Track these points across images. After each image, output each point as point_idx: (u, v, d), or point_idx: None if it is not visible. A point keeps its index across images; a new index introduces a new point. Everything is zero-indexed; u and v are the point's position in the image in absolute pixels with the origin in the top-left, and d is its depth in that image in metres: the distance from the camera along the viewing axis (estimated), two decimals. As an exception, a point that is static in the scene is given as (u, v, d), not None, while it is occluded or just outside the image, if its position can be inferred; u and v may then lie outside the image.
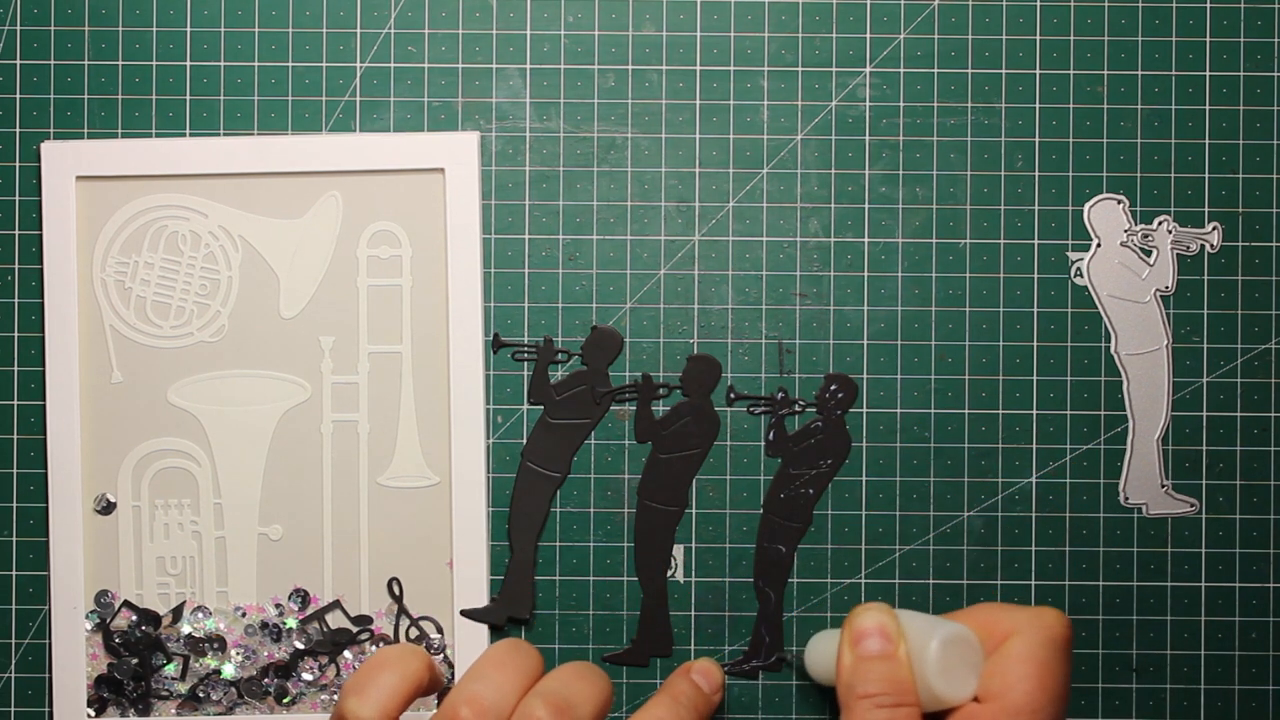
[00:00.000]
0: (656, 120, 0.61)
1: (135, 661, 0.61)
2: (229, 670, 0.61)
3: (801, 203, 0.61)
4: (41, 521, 0.61)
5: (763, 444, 0.61)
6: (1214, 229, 0.61)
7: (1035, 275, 0.61)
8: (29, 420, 0.61)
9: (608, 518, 0.61)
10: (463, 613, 0.61)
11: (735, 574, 0.61)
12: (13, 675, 0.61)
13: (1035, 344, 0.61)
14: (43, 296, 0.61)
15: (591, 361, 0.61)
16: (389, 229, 0.61)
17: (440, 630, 0.61)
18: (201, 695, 0.61)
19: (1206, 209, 0.61)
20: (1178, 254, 0.61)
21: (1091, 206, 0.61)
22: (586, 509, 0.61)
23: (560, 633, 0.61)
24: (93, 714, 0.61)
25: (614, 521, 0.61)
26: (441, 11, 0.61)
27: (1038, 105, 0.61)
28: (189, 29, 0.61)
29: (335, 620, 0.61)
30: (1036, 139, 0.61)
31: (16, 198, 0.61)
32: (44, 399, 0.61)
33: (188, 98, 0.61)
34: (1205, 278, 0.61)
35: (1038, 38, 0.61)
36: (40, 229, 0.61)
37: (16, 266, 0.61)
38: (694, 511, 0.61)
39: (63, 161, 0.61)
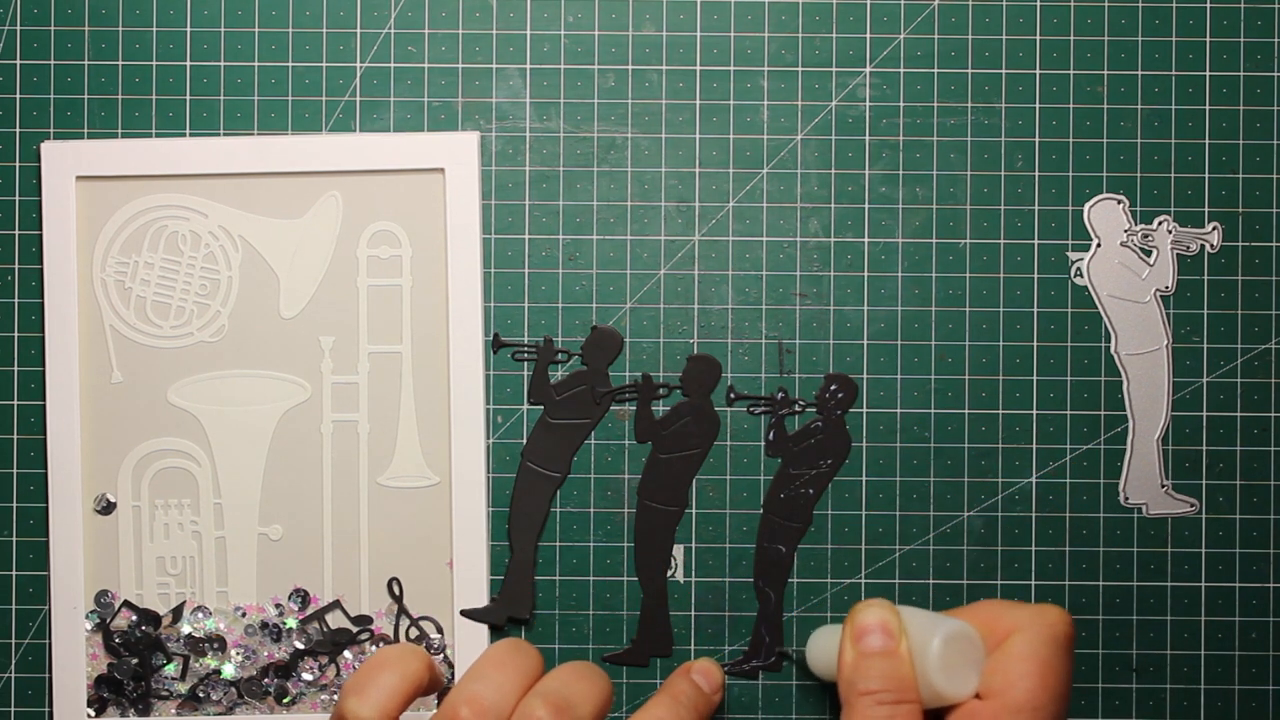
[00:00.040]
0: (656, 120, 0.61)
1: (135, 661, 0.61)
2: (229, 670, 0.61)
3: (801, 203, 0.61)
4: (41, 521, 0.61)
5: (763, 444, 0.61)
6: (1214, 229, 0.61)
7: (1035, 275, 0.61)
8: (29, 420, 0.61)
9: (608, 518, 0.61)
10: (463, 613, 0.61)
11: (735, 574, 0.61)
12: (13, 675, 0.61)
13: (1035, 344, 0.61)
14: (43, 296, 0.61)
15: (591, 361, 0.61)
16: (389, 229, 0.61)
17: (440, 630, 0.61)
18: (201, 695, 0.61)
19: (1206, 209, 0.61)
20: (1178, 254, 0.61)
21: (1091, 206, 0.61)
22: (586, 509, 0.61)
23: (560, 633, 0.61)
24: (93, 714, 0.61)
25: (614, 521, 0.61)
26: (441, 11, 0.61)
27: (1038, 105, 0.61)
28: (189, 29, 0.61)
29: (335, 620, 0.61)
30: (1036, 139, 0.61)
31: (16, 198, 0.61)
32: (44, 399, 0.61)
33: (188, 98, 0.61)
34: (1205, 278, 0.61)
35: (1038, 38, 0.61)
36: (40, 229, 0.61)
37: (16, 266, 0.61)
38: (694, 511, 0.61)
39: (63, 161, 0.61)
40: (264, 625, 0.61)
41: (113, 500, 0.61)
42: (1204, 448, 0.61)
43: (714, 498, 0.61)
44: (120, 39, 0.61)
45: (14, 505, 0.61)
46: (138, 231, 0.61)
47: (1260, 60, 0.61)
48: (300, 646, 0.61)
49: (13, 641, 0.61)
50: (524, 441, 0.61)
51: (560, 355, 0.61)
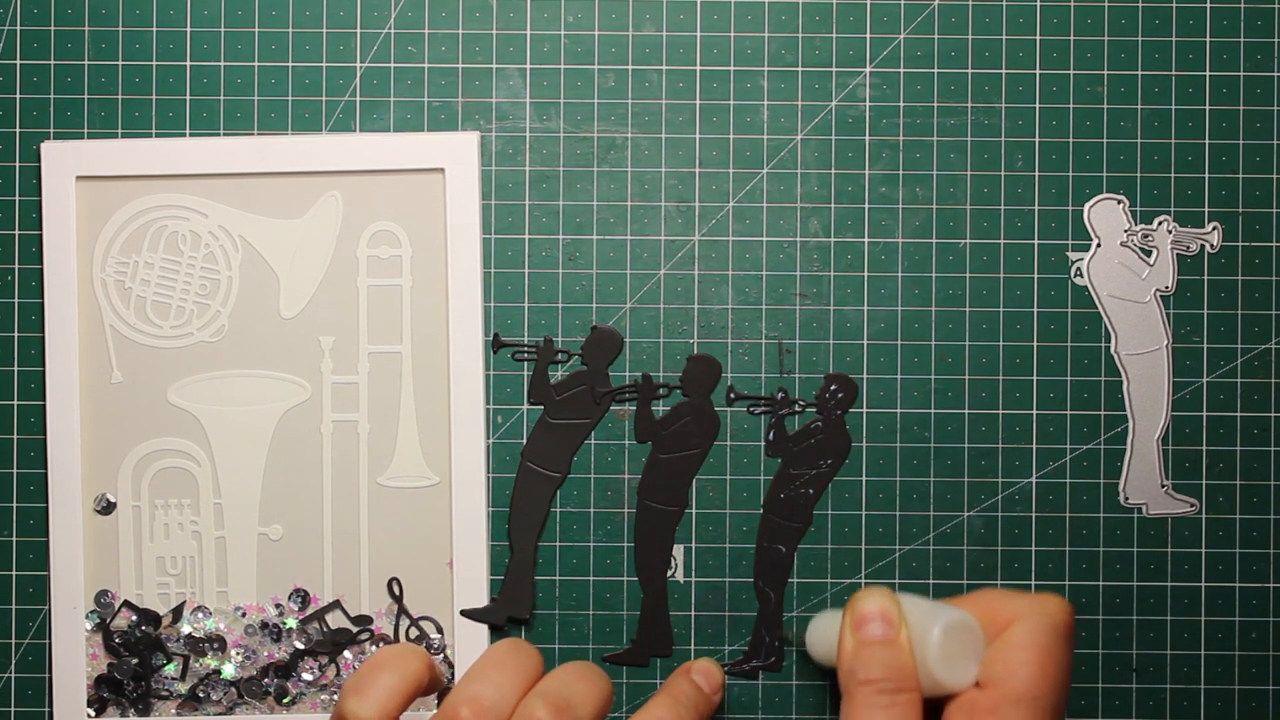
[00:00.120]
0: (656, 120, 0.61)
1: (135, 661, 0.61)
2: (229, 670, 0.61)
3: (801, 203, 0.61)
4: (41, 521, 0.61)
5: (763, 444, 0.61)
6: (1214, 229, 0.61)
7: (1035, 275, 0.61)
8: (29, 420, 0.61)
9: (608, 518, 0.61)
10: (463, 613, 0.61)
11: (735, 574, 0.61)
12: (13, 675, 0.61)
13: (1035, 344, 0.61)
14: (43, 296, 0.61)
15: (591, 361, 0.61)
16: (389, 229, 0.61)
17: (440, 630, 0.61)
18: (201, 695, 0.61)
19: (1206, 209, 0.61)
20: (1178, 254, 0.61)
21: (1091, 206, 0.61)
22: (586, 509, 0.61)
23: (560, 633, 0.61)
24: (93, 714, 0.61)
25: (614, 521, 0.61)
26: (441, 11, 0.61)
27: (1038, 105, 0.61)
28: (189, 29, 0.61)
29: (335, 620, 0.61)
30: (1036, 139, 0.61)
31: (16, 198, 0.61)
32: (44, 399, 0.61)
33: (188, 98, 0.61)
34: (1205, 278, 0.61)
35: (1038, 38, 0.61)
36: (40, 229, 0.61)
37: (16, 266, 0.61)
38: (694, 511, 0.61)
39: (63, 161, 0.61)
40: (264, 625, 0.61)
41: (113, 500, 0.61)
42: (1204, 448, 0.61)
43: (714, 498, 0.61)
44: (120, 39, 0.61)
45: (14, 505, 0.61)
46: (138, 231, 0.61)
47: (1260, 60, 0.61)
48: (300, 646, 0.61)
49: (13, 641, 0.61)
50: (524, 441, 0.61)
51: (560, 355, 0.61)
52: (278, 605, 0.61)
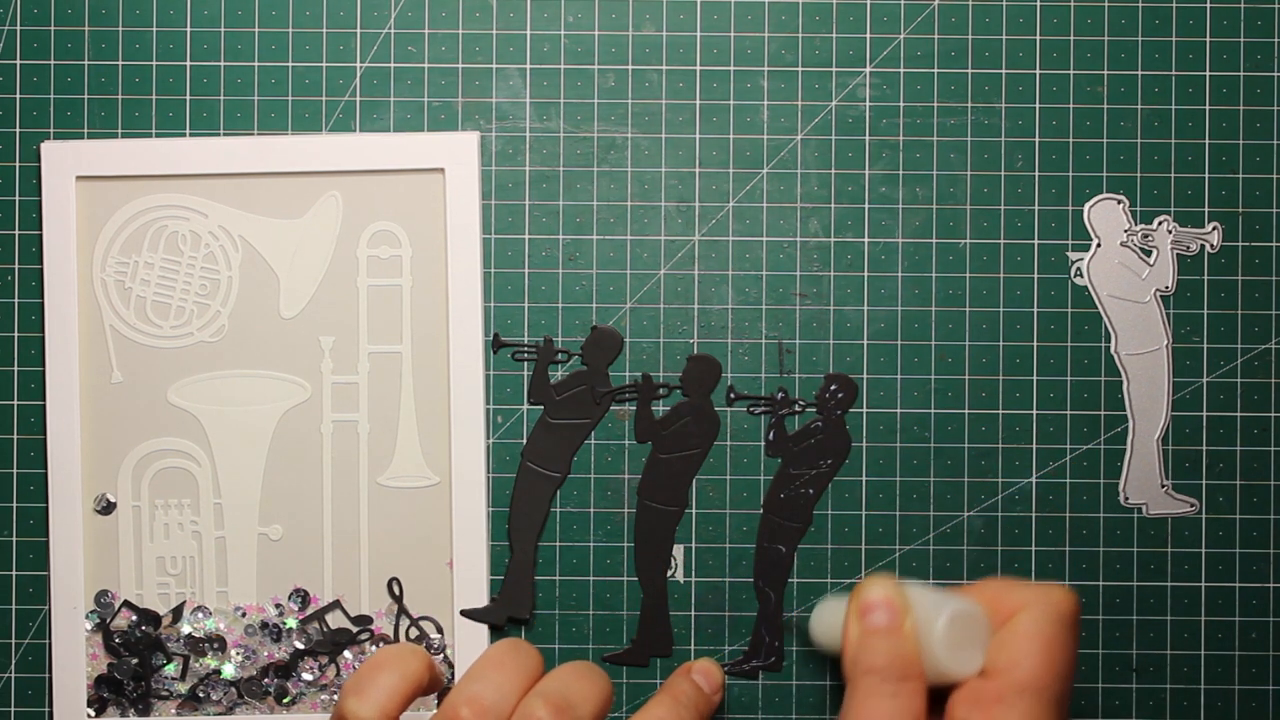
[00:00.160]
0: (656, 120, 0.61)
1: (135, 661, 0.61)
2: (229, 670, 0.61)
3: (801, 203, 0.61)
4: (41, 521, 0.61)
5: (763, 444, 0.61)
6: (1214, 229, 0.61)
7: (1035, 275, 0.61)
8: (29, 420, 0.61)
9: (608, 518, 0.61)
10: (463, 613, 0.61)
11: (735, 574, 0.61)
12: (13, 675, 0.61)
13: (1035, 344, 0.61)
14: (43, 296, 0.61)
15: (591, 361, 0.61)
16: (389, 229, 0.61)
17: (440, 630, 0.61)
18: (201, 695, 0.61)
19: (1206, 209, 0.61)
20: (1178, 254, 0.61)
21: (1091, 206, 0.61)
22: (586, 509, 0.61)
23: (560, 633, 0.61)
24: (93, 714, 0.61)
25: (614, 521, 0.61)
26: (441, 11, 0.61)
27: (1038, 105, 0.61)
28: (189, 29, 0.61)
29: (335, 620, 0.61)
30: (1036, 139, 0.61)
31: (16, 198, 0.61)
32: (44, 399, 0.61)
33: (188, 98, 0.61)
34: (1205, 278, 0.61)
35: (1038, 38, 0.61)
36: (40, 229, 0.61)
37: (16, 266, 0.61)
38: (694, 511, 0.61)
39: (63, 161, 0.61)
40: (264, 625, 0.61)
41: (113, 500, 0.61)
42: (1204, 448, 0.61)
43: (714, 498, 0.61)
44: (120, 39, 0.61)
45: (14, 505, 0.61)
46: (138, 231, 0.61)
47: (1260, 60, 0.61)
48: (300, 646, 0.61)
49: (13, 641, 0.61)
50: (524, 441, 0.61)
51: (560, 355, 0.61)
52: (278, 605, 0.61)
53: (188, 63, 0.61)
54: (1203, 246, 0.61)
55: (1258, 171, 0.61)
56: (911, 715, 0.49)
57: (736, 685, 0.61)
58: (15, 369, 0.61)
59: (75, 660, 0.61)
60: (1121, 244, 0.61)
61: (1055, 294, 0.61)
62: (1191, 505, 0.61)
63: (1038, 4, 0.61)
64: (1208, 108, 0.61)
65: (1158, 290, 0.61)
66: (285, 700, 0.61)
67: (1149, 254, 0.61)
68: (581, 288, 0.61)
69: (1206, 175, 0.61)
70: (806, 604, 0.61)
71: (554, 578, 0.61)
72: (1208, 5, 0.61)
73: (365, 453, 0.61)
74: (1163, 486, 0.61)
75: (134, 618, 0.61)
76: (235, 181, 0.61)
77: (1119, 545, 0.61)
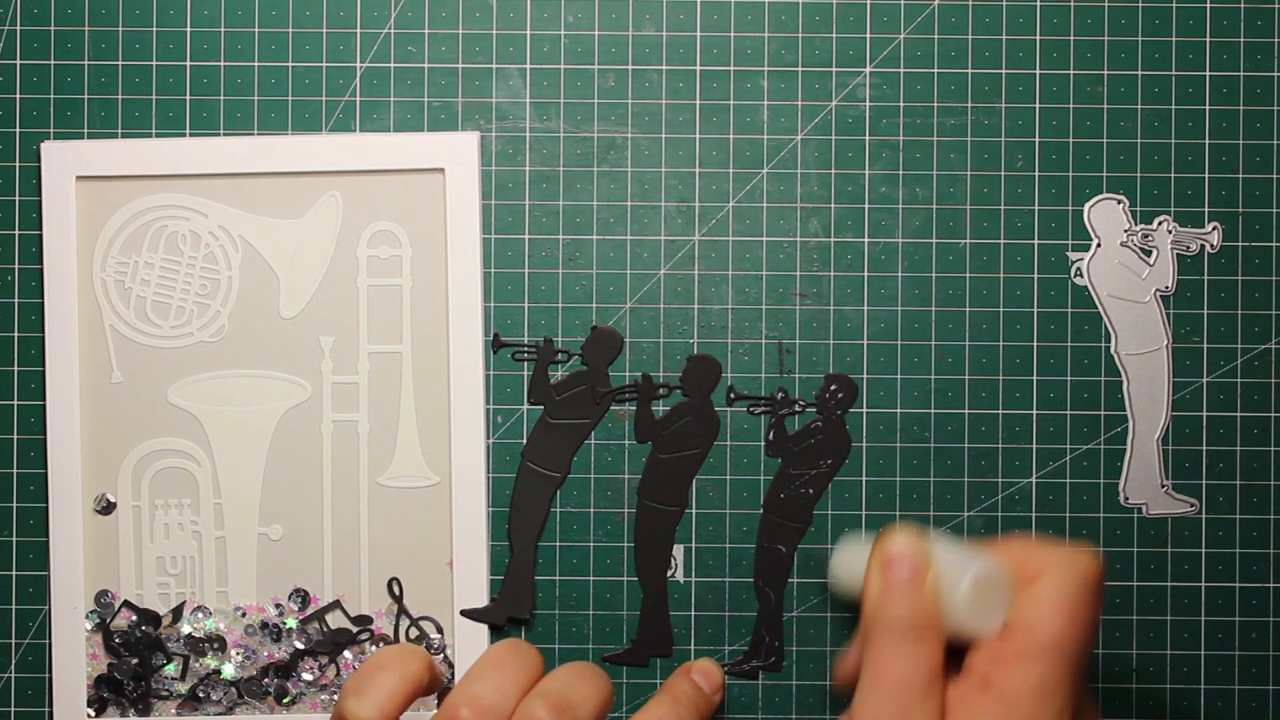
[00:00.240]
0: (656, 120, 0.61)
1: (135, 661, 0.61)
2: (229, 670, 0.61)
3: (801, 203, 0.61)
4: (41, 521, 0.61)
5: (763, 444, 0.61)
6: (1214, 229, 0.61)
7: (1035, 275, 0.61)
8: (29, 420, 0.61)
9: (608, 518, 0.61)
10: (463, 613, 0.61)
11: (735, 574, 0.61)
12: (13, 675, 0.61)
13: (1035, 344, 0.61)
14: (43, 296, 0.61)
15: (591, 361, 0.61)
16: (389, 229, 0.61)
17: (440, 630, 0.61)
18: (201, 695, 0.61)
19: (1206, 209, 0.61)
20: (1178, 254, 0.61)
21: (1091, 206, 0.61)
22: (586, 509, 0.61)
23: (560, 633, 0.61)
24: (93, 714, 0.61)
25: (614, 521, 0.61)
26: (441, 11, 0.61)
27: (1038, 105, 0.61)
28: (189, 29, 0.61)
29: (335, 620, 0.61)
30: (1036, 139, 0.61)
31: (16, 198, 0.61)
32: (44, 399, 0.61)
33: (188, 98, 0.61)
34: (1205, 278, 0.61)
35: (1038, 38, 0.61)
36: (40, 229, 0.61)
37: (16, 266, 0.61)
38: (694, 511, 0.61)
39: (63, 161, 0.61)
40: (264, 625, 0.61)
41: (113, 500, 0.61)
42: (1204, 448, 0.61)
43: (714, 498, 0.61)
44: (120, 39, 0.61)
45: (14, 505, 0.61)
46: (138, 231, 0.61)
47: (1260, 60, 0.61)
48: (300, 646, 0.61)
49: (13, 641, 0.61)
50: (524, 441, 0.61)
51: (560, 355, 0.61)
52: (278, 605, 0.61)
53: (188, 63, 0.61)
54: (1203, 246, 0.61)
55: (1258, 171, 0.61)
56: (929, 670, 0.48)
57: (736, 685, 0.61)
58: (15, 369, 0.61)
59: (75, 660, 0.61)
60: (1121, 244, 0.61)
61: (1055, 294, 0.61)
62: (1191, 505, 0.61)
63: (1038, 4, 0.61)
64: (1208, 108, 0.61)
65: (1158, 290, 0.61)
66: (285, 700, 0.61)
67: (1149, 254, 0.61)
68: (581, 288, 0.61)
69: (1206, 175, 0.61)
70: (806, 604, 0.61)
71: (554, 578, 0.61)
72: (1208, 5, 0.61)
73: (365, 453, 0.61)
74: (1163, 486, 0.61)
75: (134, 618, 0.61)
76: (235, 181, 0.61)
77: (1119, 545, 0.61)
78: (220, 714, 0.61)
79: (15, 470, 0.61)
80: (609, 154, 0.61)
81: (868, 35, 0.61)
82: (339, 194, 0.61)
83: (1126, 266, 0.61)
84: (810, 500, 0.61)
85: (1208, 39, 0.61)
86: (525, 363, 0.61)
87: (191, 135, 0.61)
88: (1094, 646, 0.49)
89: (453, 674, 0.61)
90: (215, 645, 0.61)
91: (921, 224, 0.61)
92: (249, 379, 0.61)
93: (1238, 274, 0.61)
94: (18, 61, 0.61)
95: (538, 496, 0.61)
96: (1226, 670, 0.61)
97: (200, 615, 0.61)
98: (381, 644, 0.61)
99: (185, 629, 0.61)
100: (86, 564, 0.61)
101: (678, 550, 0.61)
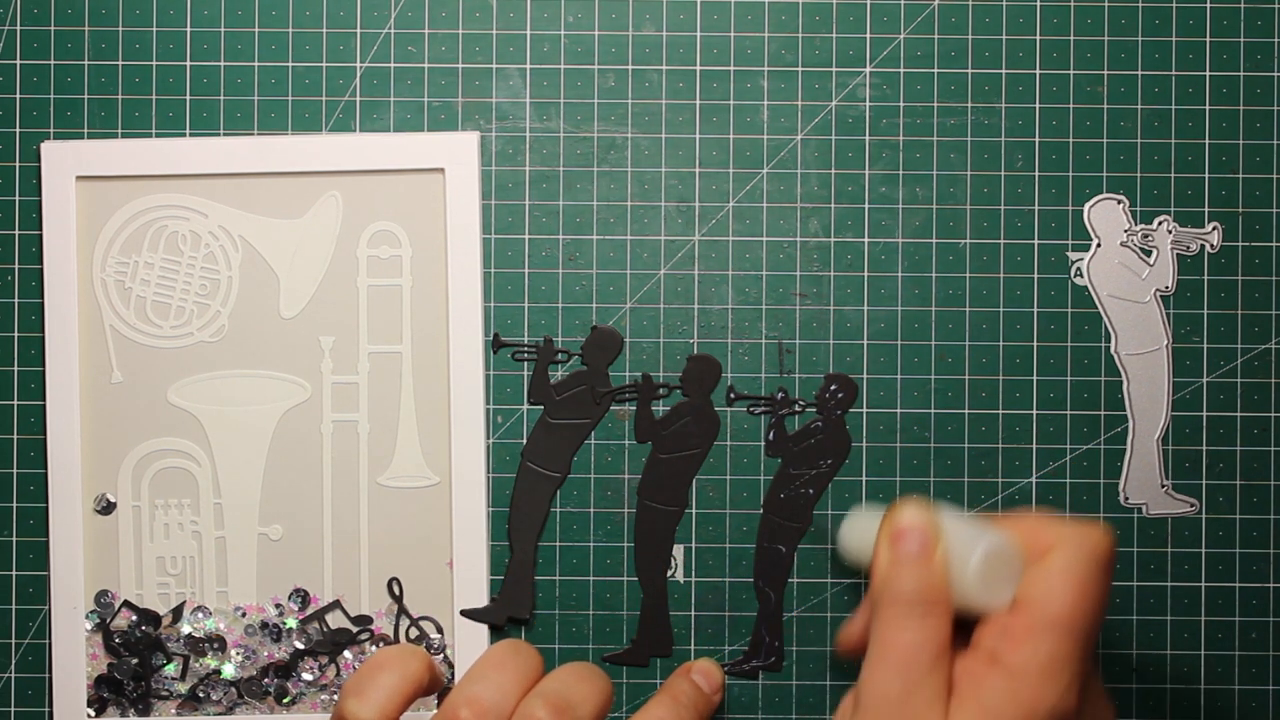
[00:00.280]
0: (656, 120, 0.61)
1: (135, 661, 0.61)
2: (229, 670, 0.61)
3: (801, 203, 0.61)
4: (41, 521, 0.61)
5: (763, 444, 0.61)
6: (1214, 229, 0.61)
7: (1035, 275, 0.61)
8: (29, 420, 0.61)
9: (608, 518, 0.61)
10: (463, 613, 0.61)
11: (735, 574, 0.61)
12: (13, 675, 0.61)
13: (1035, 344, 0.61)
14: (43, 296, 0.61)
15: (591, 361, 0.61)
16: (389, 229, 0.61)
17: (440, 630, 0.61)
18: (201, 695, 0.61)
19: (1206, 209, 0.61)
20: (1178, 254, 0.61)
21: (1091, 206, 0.61)
22: (586, 509, 0.61)
23: (560, 633, 0.61)
24: (93, 714, 0.61)
25: (614, 521, 0.61)
26: (441, 11, 0.61)
27: (1038, 105, 0.61)
28: (189, 29, 0.61)
29: (335, 620, 0.61)
30: (1036, 139, 0.61)
31: (16, 198, 0.61)
32: (44, 399, 0.61)
33: (188, 98, 0.61)
34: (1205, 278, 0.61)
35: (1038, 38, 0.61)
36: (40, 229, 0.61)
37: (16, 266, 0.61)
38: (694, 511, 0.61)
39: (63, 161, 0.61)
40: (264, 625, 0.61)
41: (113, 500, 0.61)
42: (1204, 448, 0.61)
43: (714, 498, 0.61)
44: (120, 39, 0.61)
45: (14, 505, 0.61)
46: (138, 231, 0.61)
47: (1260, 60, 0.61)
48: (300, 646, 0.61)
49: (13, 641, 0.61)
50: (524, 441, 0.61)
51: (560, 355, 0.61)
52: (278, 605, 0.61)
53: (188, 63, 0.61)
54: (1203, 246, 0.61)
55: (1258, 171, 0.61)
56: (936, 644, 0.48)
57: (736, 685, 0.61)
58: (15, 369, 0.61)
59: (75, 660, 0.61)
60: (1121, 244, 0.61)
61: (1055, 294, 0.61)
62: (1191, 505, 0.61)
63: (1038, 4, 0.61)
64: (1208, 108, 0.61)
65: (1158, 290, 0.61)
66: (285, 700, 0.61)
67: (1149, 254, 0.61)
68: (581, 288, 0.61)
69: (1206, 175, 0.61)
70: (806, 604, 0.61)
71: (554, 578, 0.61)
72: (1208, 5, 0.61)
73: (365, 453, 0.61)
74: (1163, 486, 0.61)
75: (134, 618, 0.61)
76: (235, 181, 0.61)
77: (1119, 545, 0.61)
78: (220, 714, 0.61)
79: (15, 470, 0.61)
80: (609, 154, 0.61)
81: (868, 35, 0.61)
82: (339, 194, 0.61)
83: (1126, 266, 0.61)
84: (810, 500, 0.61)
85: (1208, 39, 0.61)
86: (525, 363, 0.61)
87: (191, 135, 0.61)
88: (1102, 623, 0.49)
89: (453, 674, 0.61)
90: (215, 645, 0.61)
91: (921, 224, 0.61)
92: (249, 379, 0.61)
93: (1238, 274, 0.61)
94: (18, 61, 0.61)
95: (538, 496, 0.61)
96: (1226, 670, 0.61)
97: (200, 615, 0.61)
98: (381, 644, 0.61)
99: (185, 629, 0.61)
100: (86, 564, 0.61)
101: (678, 550, 0.61)
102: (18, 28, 0.61)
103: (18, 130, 0.61)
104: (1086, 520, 0.50)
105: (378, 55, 0.61)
